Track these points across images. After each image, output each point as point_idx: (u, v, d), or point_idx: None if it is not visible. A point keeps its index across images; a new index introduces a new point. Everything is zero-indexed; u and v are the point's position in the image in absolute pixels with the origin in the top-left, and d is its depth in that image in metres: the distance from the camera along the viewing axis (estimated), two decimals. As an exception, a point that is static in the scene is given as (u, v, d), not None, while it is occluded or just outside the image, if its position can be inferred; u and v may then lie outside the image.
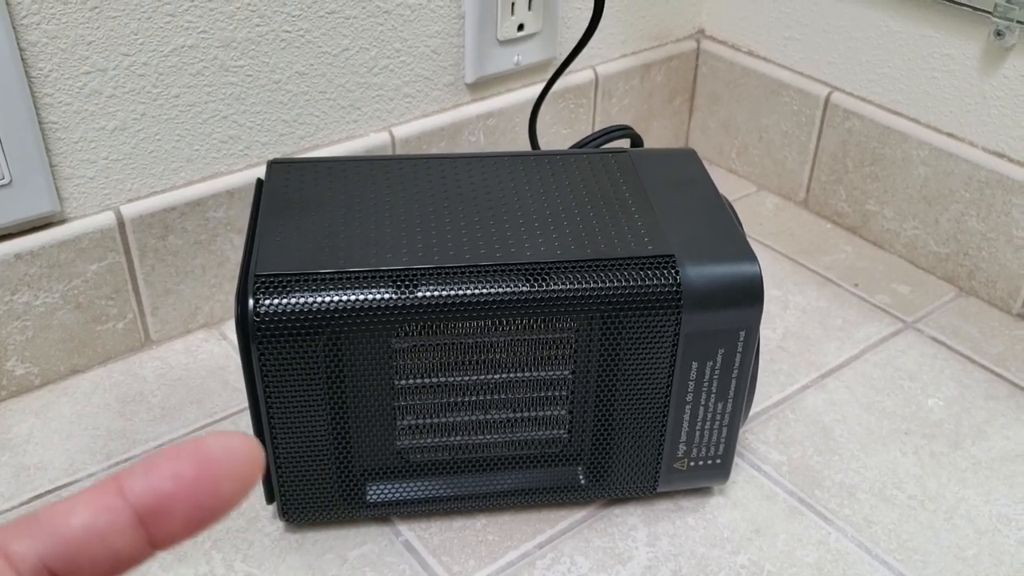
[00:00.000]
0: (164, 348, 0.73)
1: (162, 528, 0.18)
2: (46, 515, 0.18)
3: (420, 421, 0.56)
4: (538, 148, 0.82)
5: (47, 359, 0.69)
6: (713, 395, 0.56)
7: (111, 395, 0.69)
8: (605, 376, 0.55)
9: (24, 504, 0.61)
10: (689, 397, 0.56)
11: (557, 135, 0.90)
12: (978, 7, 0.74)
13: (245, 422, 0.67)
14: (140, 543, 0.18)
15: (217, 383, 0.70)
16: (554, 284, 0.52)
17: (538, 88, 0.86)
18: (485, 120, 0.83)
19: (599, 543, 0.59)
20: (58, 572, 0.18)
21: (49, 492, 0.62)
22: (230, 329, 0.76)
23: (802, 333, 0.77)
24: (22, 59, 0.60)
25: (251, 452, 0.19)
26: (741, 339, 0.54)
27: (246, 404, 0.68)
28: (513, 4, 0.79)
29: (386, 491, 0.57)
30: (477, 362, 0.55)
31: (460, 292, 0.51)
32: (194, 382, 0.70)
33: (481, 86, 0.83)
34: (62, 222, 0.66)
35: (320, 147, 0.76)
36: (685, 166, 0.62)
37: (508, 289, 0.52)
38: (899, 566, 0.58)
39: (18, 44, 0.59)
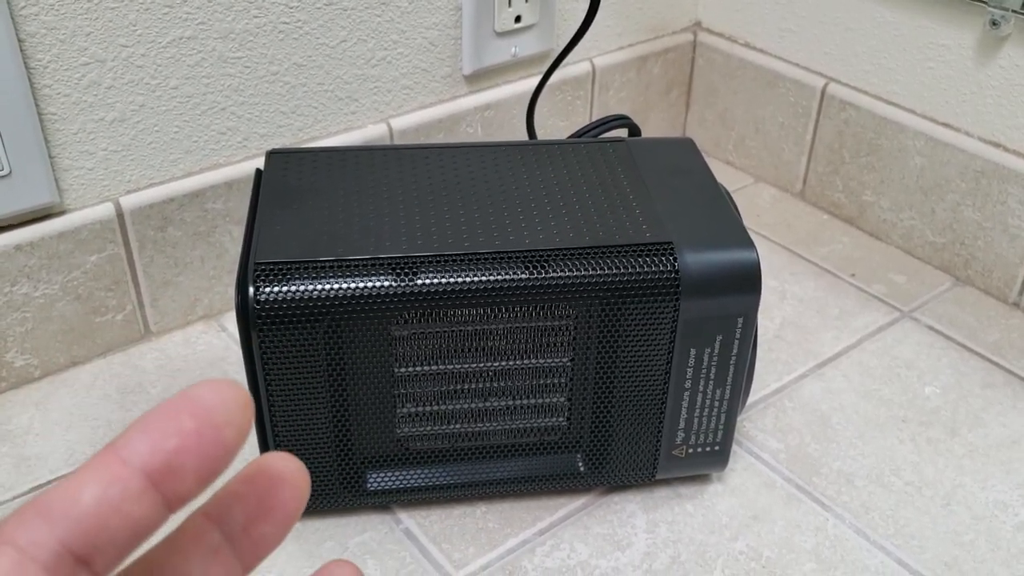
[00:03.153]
0: (163, 339, 0.74)
1: (175, 487, 0.18)
2: (53, 498, 0.17)
3: (420, 409, 0.56)
4: (536, 139, 0.82)
5: (47, 350, 0.69)
6: (711, 382, 0.56)
7: (111, 386, 0.69)
8: (604, 363, 0.55)
9: (24, 494, 0.61)
10: (687, 384, 0.56)
11: (554, 127, 0.90)
12: (973, -3, 0.75)
13: (245, 412, 0.67)
14: (156, 507, 0.18)
15: (216, 374, 0.70)
16: (553, 271, 0.52)
17: (535, 80, 0.86)
18: (483, 112, 0.83)
19: (598, 530, 0.59)
20: (80, 553, 0.17)
21: (49, 482, 0.62)
22: (229, 321, 0.76)
23: (800, 323, 0.77)
24: (21, 50, 0.60)
25: (241, 396, 0.19)
26: (739, 326, 0.55)
27: (246, 395, 0.69)
28: (510, -4, 0.79)
29: (386, 479, 0.58)
30: (476, 350, 0.55)
31: (459, 280, 0.51)
32: (193, 373, 0.71)
33: (478, 78, 0.83)
34: (61, 213, 0.66)
35: (318, 139, 0.76)
36: (683, 155, 0.63)
37: (507, 276, 0.52)
38: (897, 551, 0.58)
39: (17, 35, 0.60)
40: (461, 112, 0.82)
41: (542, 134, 0.89)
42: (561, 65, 0.79)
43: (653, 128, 0.99)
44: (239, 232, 0.74)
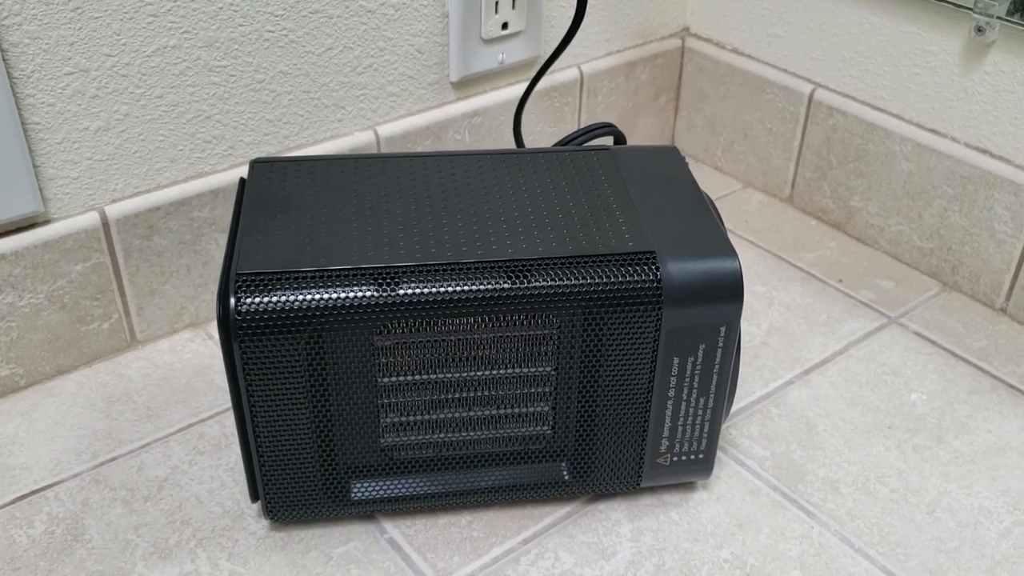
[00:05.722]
0: (149, 348, 0.74)
1: None
2: None
3: (404, 419, 0.56)
4: (523, 146, 0.82)
5: (32, 360, 0.69)
6: (695, 390, 0.56)
7: (97, 395, 0.69)
8: (588, 372, 0.55)
9: (9, 504, 0.61)
10: (671, 392, 0.56)
11: (543, 133, 0.90)
12: (958, 3, 0.75)
13: (230, 421, 0.67)
14: None
15: (203, 382, 0.70)
16: (536, 281, 0.52)
17: (523, 86, 0.86)
18: (470, 119, 0.83)
19: (583, 538, 0.59)
20: None
21: (34, 492, 0.62)
22: (215, 329, 0.76)
23: (786, 329, 0.77)
24: (4, 60, 0.60)
25: None
26: (722, 334, 0.55)
27: (231, 403, 0.68)
28: (497, 3, 0.79)
29: (370, 489, 0.58)
30: (460, 359, 0.55)
31: (442, 289, 0.51)
32: (180, 382, 0.70)
33: (466, 85, 0.83)
34: (46, 223, 0.66)
35: (305, 146, 0.76)
36: (666, 163, 0.63)
37: (490, 286, 0.52)
38: (882, 559, 0.58)
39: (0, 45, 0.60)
40: (449, 119, 0.82)
41: (530, 140, 0.89)
42: (549, 71, 0.79)
43: (641, 134, 0.99)
44: (225, 240, 0.74)
